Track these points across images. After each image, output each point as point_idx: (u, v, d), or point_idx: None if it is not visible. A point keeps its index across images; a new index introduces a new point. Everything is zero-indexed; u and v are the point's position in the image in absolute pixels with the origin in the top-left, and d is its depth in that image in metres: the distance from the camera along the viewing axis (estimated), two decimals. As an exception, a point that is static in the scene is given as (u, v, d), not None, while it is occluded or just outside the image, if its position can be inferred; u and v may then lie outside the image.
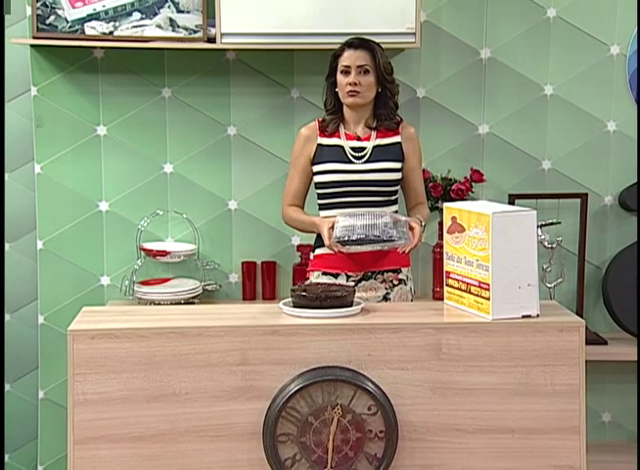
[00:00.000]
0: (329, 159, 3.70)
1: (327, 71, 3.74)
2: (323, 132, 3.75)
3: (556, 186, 4.50)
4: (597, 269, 4.58)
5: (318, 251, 3.77)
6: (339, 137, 3.73)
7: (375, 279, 3.71)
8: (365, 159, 3.68)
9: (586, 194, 4.44)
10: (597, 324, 4.58)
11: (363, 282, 3.70)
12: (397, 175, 3.71)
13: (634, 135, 4.48)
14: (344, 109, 3.74)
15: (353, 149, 3.70)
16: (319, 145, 3.73)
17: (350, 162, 3.68)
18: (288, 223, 3.86)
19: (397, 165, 3.71)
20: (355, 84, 3.63)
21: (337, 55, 3.70)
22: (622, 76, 4.47)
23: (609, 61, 4.46)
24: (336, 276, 3.71)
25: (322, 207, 3.77)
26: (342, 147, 3.71)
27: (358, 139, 3.71)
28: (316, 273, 3.75)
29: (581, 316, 4.12)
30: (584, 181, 4.52)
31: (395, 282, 3.74)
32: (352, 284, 3.64)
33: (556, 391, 2.88)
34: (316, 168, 3.73)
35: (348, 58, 3.65)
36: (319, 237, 3.72)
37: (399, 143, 3.73)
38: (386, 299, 3.71)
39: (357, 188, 3.67)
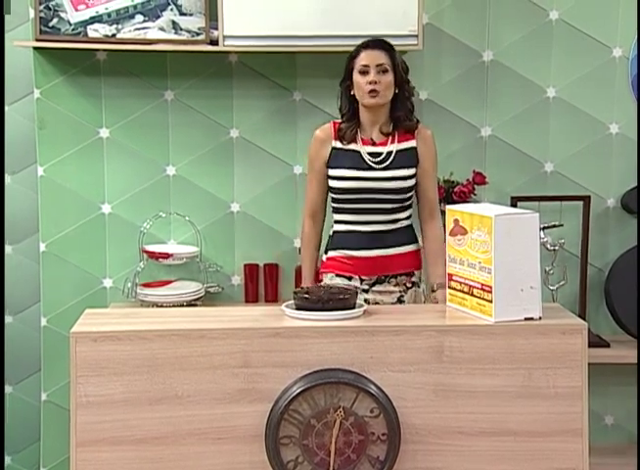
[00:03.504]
0: (345, 164, 3.67)
1: (342, 75, 3.69)
2: (339, 138, 3.70)
3: (558, 188, 4.49)
4: (600, 272, 4.57)
5: (330, 253, 3.78)
6: (355, 142, 3.69)
7: (388, 282, 3.72)
8: (384, 165, 3.65)
9: (589, 196, 4.43)
10: (599, 327, 4.57)
11: (377, 285, 3.70)
12: (413, 182, 3.68)
13: (636, 137, 4.48)
14: (361, 112, 3.69)
15: (371, 154, 3.66)
16: (334, 148, 3.70)
17: (369, 168, 3.65)
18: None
19: (413, 171, 3.68)
20: (376, 83, 3.57)
21: (353, 56, 3.65)
22: (625, 79, 4.46)
23: (611, 63, 4.45)
24: (349, 279, 3.71)
25: (335, 210, 3.76)
26: (358, 152, 3.67)
27: (373, 144, 3.67)
28: (330, 275, 3.75)
29: (584, 319, 4.10)
30: (587, 184, 4.52)
31: (409, 285, 3.75)
32: (366, 287, 3.68)
33: (558, 393, 2.88)
34: (331, 173, 3.70)
35: (366, 57, 3.60)
36: (331, 239, 3.78)
37: (415, 148, 3.69)
38: (400, 301, 3.71)
39: (373, 195, 3.65)
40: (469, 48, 4.43)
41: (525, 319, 2.89)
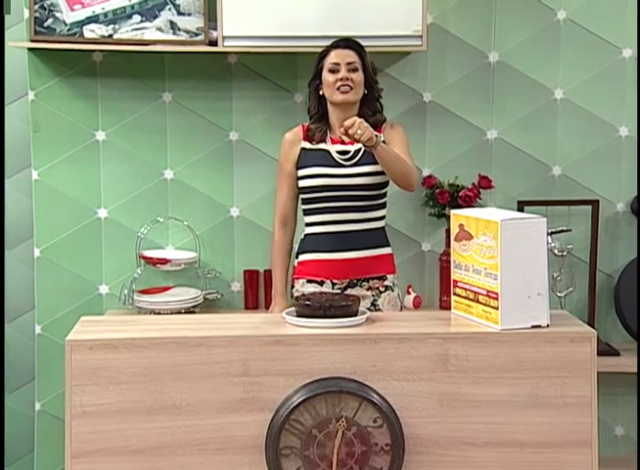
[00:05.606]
0: (313, 163, 3.69)
1: (311, 75, 3.73)
2: (308, 139, 3.74)
3: (566, 193, 4.48)
4: (609, 278, 4.56)
5: (302, 257, 3.78)
6: (324, 142, 3.72)
7: (360, 286, 3.69)
8: (353, 162, 3.66)
9: (597, 201, 4.41)
10: (609, 335, 4.56)
11: (349, 289, 3.68)
12: (382, 178, 3.65)
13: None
14: (330, 111, 3.72)
15: (339, 152, 3.69)
16: (303, 149, 3.73)
17: (338, 165, 3.66)
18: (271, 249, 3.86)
19: (381, 167, 3.61)
20: (347, 79, 3.60)
21: (322, 56, 3.69)
22: (635, 80, 4.44)
23: (621, 64, 4.44)
24: (321, 283, 3.71)
25: (306, 212, 3.76)
26: (327, 151, 3.69)
27: (342, 143, 3.68)
28: (301, 281, 3.74)
29: (593, 326, 4.10)
30: (595, 188, 4.50)
31: (382, 288, 3.73)
32: (338, 291, 3.65)
33: (567, 403, 2.86)
34: (301, 173, 3.71)
35: (337, 56, 3.64)
36: (303, 242, 3.77)
37: (383, 141, 3.63)
38: (374, 305, 3.69)
39: (342, 193, 3.65)
40: (474, 49, 4.42)
41: (533, 327, 2.88)
